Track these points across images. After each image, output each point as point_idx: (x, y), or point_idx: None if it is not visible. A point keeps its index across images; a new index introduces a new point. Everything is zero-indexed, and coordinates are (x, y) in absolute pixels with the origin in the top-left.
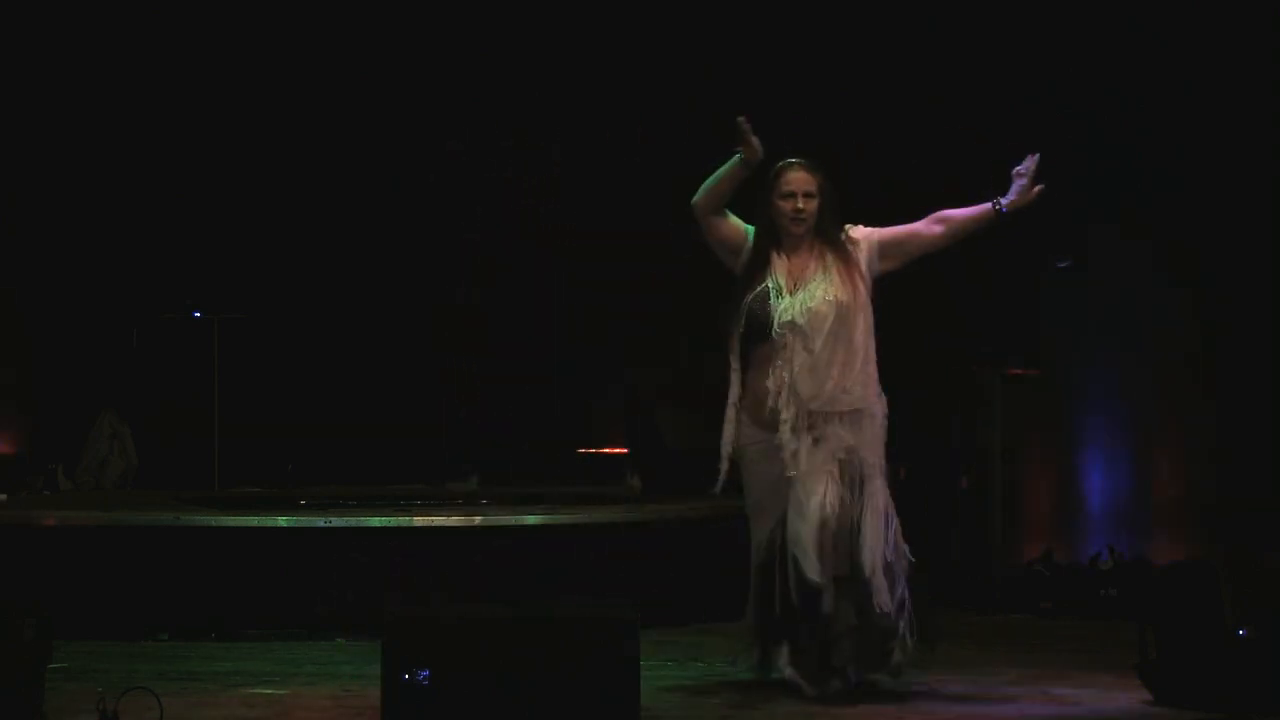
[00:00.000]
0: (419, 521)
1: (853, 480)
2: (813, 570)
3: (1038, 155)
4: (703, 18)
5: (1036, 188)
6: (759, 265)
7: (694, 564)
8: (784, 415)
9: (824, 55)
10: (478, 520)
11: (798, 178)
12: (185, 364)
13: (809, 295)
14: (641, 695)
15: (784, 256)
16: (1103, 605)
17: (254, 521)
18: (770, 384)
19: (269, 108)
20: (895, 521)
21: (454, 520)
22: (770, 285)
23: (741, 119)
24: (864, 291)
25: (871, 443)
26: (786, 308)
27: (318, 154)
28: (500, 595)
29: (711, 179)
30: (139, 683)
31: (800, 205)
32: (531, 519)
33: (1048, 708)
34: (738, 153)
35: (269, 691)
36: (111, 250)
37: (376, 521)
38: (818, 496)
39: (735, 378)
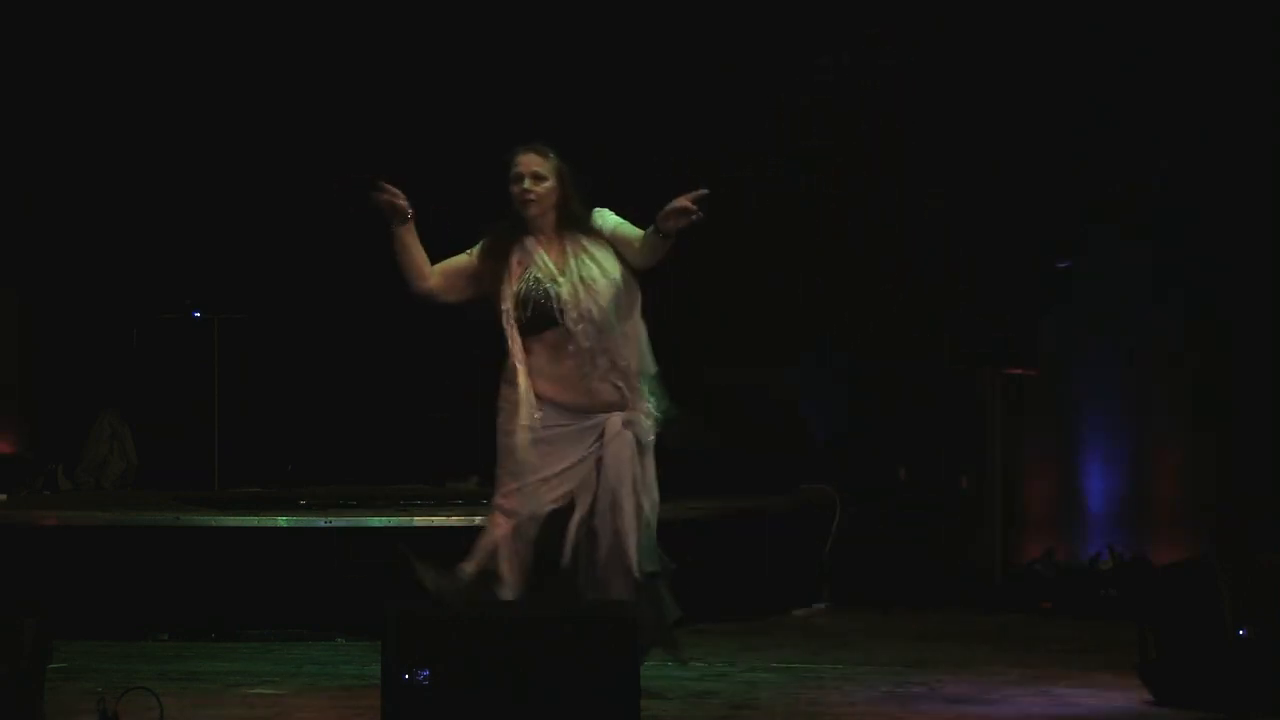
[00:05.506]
0: (419, 521)
1: None
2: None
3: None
4: (705, 19)
5: (694, 214)
6: (507, 254)
7: (693, 564)
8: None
9: (823, 55)
10: (478, 520)
11: (525, 159)
12: (185, 364)
13: (584, 279)
14: (641, 695)
15: (538, 243)
16: (1103, 605)
17: (254, 521)
18: (566, 370)
19: (269, 108)
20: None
21: (454, 520)
22: (536, 272)
23: (378, 185)
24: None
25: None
26: (569, 294)
27: (318, 154)
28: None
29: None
30: (139, 683)
31: (528, 186)
32: None
33: (1048, 708)
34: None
35: (269, 691)
36: (112, 250)
37: (376, 521)
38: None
39: (521, 367)
